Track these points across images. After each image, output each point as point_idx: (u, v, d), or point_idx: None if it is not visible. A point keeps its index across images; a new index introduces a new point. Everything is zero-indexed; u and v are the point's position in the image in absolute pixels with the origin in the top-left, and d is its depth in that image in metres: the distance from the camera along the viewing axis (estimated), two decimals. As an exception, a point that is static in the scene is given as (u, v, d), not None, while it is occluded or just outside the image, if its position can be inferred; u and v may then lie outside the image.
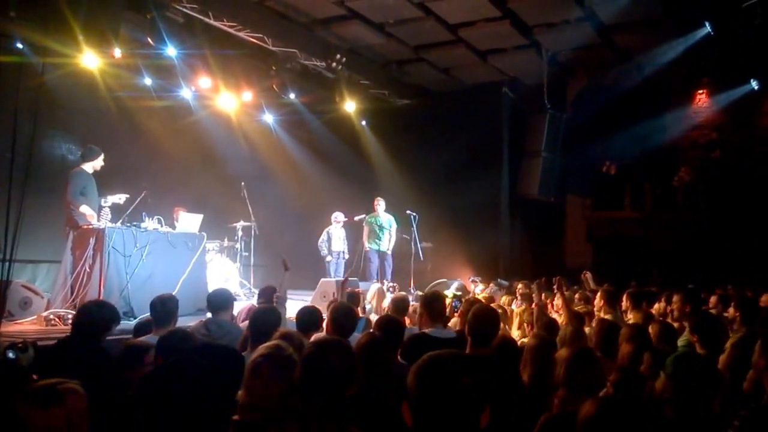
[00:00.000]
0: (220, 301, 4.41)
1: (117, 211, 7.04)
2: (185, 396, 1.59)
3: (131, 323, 5.92)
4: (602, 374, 2.77)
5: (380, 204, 10.13)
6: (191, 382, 1.62)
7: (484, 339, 3.26)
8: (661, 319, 4.99)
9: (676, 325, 4.71)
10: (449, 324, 4.98)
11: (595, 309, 5.48)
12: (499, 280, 9.84)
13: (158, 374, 1.73)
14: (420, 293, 8.41)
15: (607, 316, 5.04)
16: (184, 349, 2.93)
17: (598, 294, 5.76)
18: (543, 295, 7.33)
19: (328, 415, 1.91)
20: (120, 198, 6.97)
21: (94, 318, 3.56)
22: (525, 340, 3.99)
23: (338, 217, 10.16)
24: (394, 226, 10.01)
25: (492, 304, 5.51)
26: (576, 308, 5.49)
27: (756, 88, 10.73)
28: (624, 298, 5.59)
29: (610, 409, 1.76)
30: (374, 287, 7.27)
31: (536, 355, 3.14)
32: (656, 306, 5.93)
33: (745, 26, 9.13)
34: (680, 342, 4.26)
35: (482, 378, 1.50)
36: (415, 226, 9.99)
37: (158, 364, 2.99)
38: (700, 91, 11.78)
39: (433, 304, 3.91)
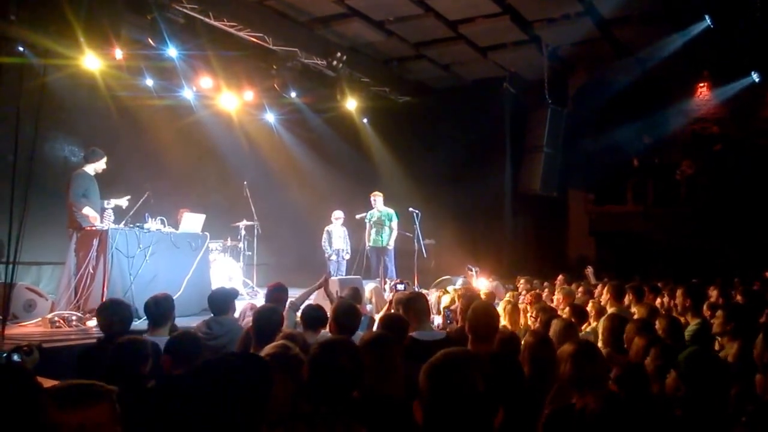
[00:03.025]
0: (220, 304, 4.40)
1: (120, 212, 7.05)
2: (211, 404, 1.58)
3: (136, 323, 5.95)
4: (606, 368, 2.77)
5: (377, 199, 9.97)
6: (219, 390, 1.60)
7: (485, 336, 3.24)
8: (665, 313, 4.98)
9: (681, 319, 4.70)
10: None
11: (601, 303, 5.48)
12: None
13: (186, 380, 1.71)
14: (425, 291, 8.41)
15: (612, 310, 5.04)
16: (193, 353, 2.95)
17: (605, 288, 5.76)
18: (546, 291, 7.36)
19: (336, 415, 1.92)
20: (123, 200, 6.98)
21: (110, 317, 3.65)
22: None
23: (337, 214, 10.12)
24: (395, 220, 9.91)
25: (496, 300, 5.53)
26: (580, 303, 5.49)
27: (757, 80, 10.71)
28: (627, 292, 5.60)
29: (615, 405, 1.77)
30: (370, 286, 7.28)
31: (534, 352, 3.15)
32: (659, 300, 5.92)
33: (744, 18, 9.11)
34: (685, 334, 4.26)
35: (495, 378, 1.50)
36: (417, 223, 9.97)
37: (166, 365, 3.01)
38: (701, 85, 11.76)
39: (413, 305, 3.78)
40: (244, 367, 1.73)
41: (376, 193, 10.04)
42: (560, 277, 8.61)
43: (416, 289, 8.75)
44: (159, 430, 2.26)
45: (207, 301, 4.52)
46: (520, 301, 6.24)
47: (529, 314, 5.22)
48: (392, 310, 4.70)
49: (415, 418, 1.52)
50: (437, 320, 5.81)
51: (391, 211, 9.94)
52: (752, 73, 10.65)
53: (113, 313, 3.73)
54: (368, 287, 6.85)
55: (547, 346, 3.19)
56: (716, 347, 3.96)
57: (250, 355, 2.14)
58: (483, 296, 5.58)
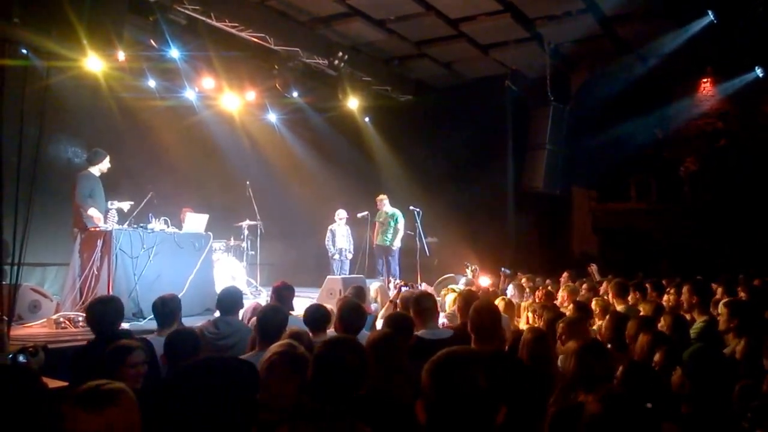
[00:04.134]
0: (229, 303, 4.41)
1: (123, 212, 7.08)
2: (196, 405, 1.57)
3: (141, 324, 5.97)
4: (612, 366, 2.75)
5: (384, 201, 10.21)
6: (204, 391, 1.59)
7: (487, 334, 3.25)
8: (672, 310, 4.97)
9: (687, 317, 4.68)
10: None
11: (606, 299, 5.47)
12: (503, 269, 9.86)
13: (171, 381, 1.70)
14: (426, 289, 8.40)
15: (620, 308, 5.03)
16: (188, 350, 2.94)
17: (609, 286, 5.76)
18: (549, 287, 7.34)
19: (341, 414, 1.92)
20: (125, 204, 7.01)
21: (101, 314, 3.65)
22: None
23: (340, 214, 10.25)
24: (401, 221, 10.07)
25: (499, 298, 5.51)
26: (584, 300, 5.48)
27: (761, 75, 10.66)
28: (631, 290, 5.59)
29: (615, 407, 1.75)
30: (375, 285, 7.28)
31: (531, 348, 3.15)
32: (666, 298, 5.90)
33: (747, 14, 9.07)
34: (692, 332, 4.25)
35: (498, 376, 1.50)
36: (419, 221, 10.01)
37: (166, 366, 3.00)
38: (705, 80, 11.72)
39: (420, 304, 3.79)
40: (227, 371, 1.72)
41: (382, 196, 10.27)
42: (565, 274, 8.59)
43: (419, 289, 8.76)
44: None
45: (216, 300, 4.54)
46: (523, 299, 6.23)
47: (526, 312, 5.20)
48: (396, 310, 4.70)
49: (418, 417, 1.52)
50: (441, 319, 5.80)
51: (397, 212, 10.10)
52: (756, 68, 10.61)
53: (101, 312, 3.73)
54: (373, 286, 6.85)
55: (543, 343, 3.20)
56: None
57: (233, 360, 2.14)
58: (483, 294, 5.57)
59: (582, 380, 2.58)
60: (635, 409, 1.75)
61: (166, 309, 3.94)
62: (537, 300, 5.94)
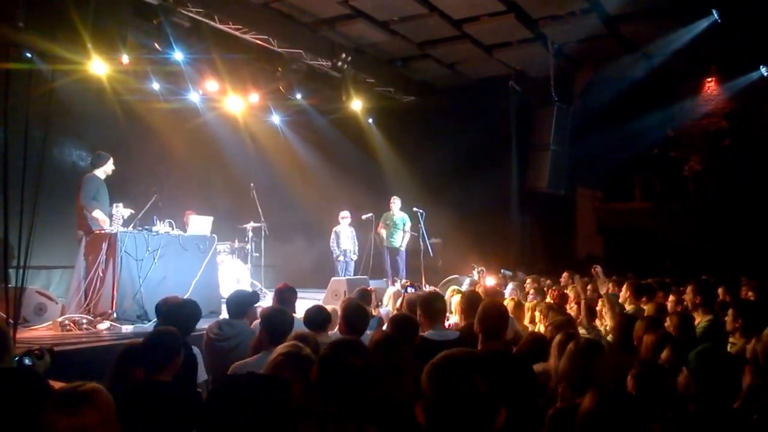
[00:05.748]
0: (235, 307, 4.39)
1: (125, 218, 7.09)
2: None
3: (146, 326, 5.99)
4: (608, 367, 2.73)
5: (395, 203, 10.37)
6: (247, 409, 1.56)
7: (494, 333, 3.25)
8: (678, 309, 4.96)
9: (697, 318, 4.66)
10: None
11: (620, 300, 5.48)
12: (503, 270, 9.83)
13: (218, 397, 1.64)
14: (434, 289, 8.40)
15: (630, 308, 5.02)
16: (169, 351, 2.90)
17: (623, 287, 5.78)
18: (553, 287, 7.32)
19: (346, 416, 1.92)
20: (126, 210, 7.02)
21: (177, 317, 3.65)
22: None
23: (344, 214, 10.31)
24: (408, 224, 10.25)
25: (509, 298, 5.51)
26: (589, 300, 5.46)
27: (765, 74, 10.61)
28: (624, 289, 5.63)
29: (608, 405, 1.74)
30: (391, 289, 7.27)
31: (534, 348, 3.14)
32: (671, 297, 5.89)
33: (752, 13, 9.03)
34: (696, 331, 4.23)
35: (497, 378, 1.49)
36: (422, 222, 10.02)
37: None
38: (709, 80, 11.67)
39: (430, 304, 3.78)
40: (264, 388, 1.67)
41: (395, 197, 10.45)
42: (565, 274, 8.54)
43: (424, 289, 8.74)
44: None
45: (220, 302, 4.55)
46: (528, 300, 6.22)
47: (531, 312, 5.19)
48: (402, 311, 4.69)
49: (418, 419, 1.51)
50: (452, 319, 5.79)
51: (405, 215, 10.26)
52: (761, 67, 10.56)
53: (179, 314, 3.72)
54: (389, 292, 6.84)
55: (540, 343, 3.20)
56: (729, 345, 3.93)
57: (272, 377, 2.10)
58: (486, 294, 5.55)
59: (575, 380, 2.58)
60: (628, 406, 1.75)
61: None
62: (552, 300, 5.93)
